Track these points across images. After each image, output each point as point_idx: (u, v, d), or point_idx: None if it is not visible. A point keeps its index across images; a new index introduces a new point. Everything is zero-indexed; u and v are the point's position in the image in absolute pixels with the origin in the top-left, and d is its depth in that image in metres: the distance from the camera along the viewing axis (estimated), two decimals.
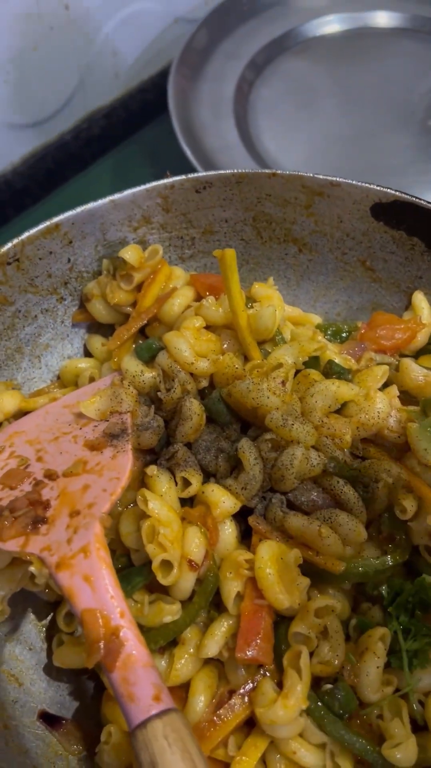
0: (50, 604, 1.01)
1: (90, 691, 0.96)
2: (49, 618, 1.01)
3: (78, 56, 1.72)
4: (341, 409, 0.99)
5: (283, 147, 1.55)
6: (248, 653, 0.83)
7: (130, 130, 1.90)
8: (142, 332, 1.11)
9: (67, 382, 1.10)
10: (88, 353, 1.15)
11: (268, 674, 0.86)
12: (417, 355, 1.11)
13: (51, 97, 1.74)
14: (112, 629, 0.72)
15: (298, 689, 0.82)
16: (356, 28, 1.74)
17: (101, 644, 0.71)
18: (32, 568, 0.80)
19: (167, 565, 0.87)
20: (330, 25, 1.74)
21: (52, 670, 0.96)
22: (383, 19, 1.73)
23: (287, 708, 0.81)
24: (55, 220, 1.05)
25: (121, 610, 0.73)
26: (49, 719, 0.92)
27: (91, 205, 1.07)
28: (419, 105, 1.61)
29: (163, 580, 0.86)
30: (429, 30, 1.71)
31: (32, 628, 0.99)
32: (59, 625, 0.96)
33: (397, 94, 1.63)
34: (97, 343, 1.12)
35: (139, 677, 0.69)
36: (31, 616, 1.00)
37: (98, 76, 1.80)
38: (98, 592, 0.74)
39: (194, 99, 1.61)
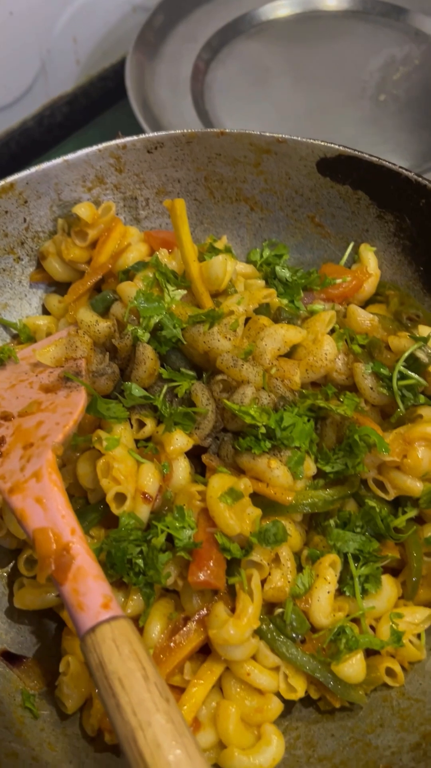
0: (11, 552, 1.02)
1: (51, 631, 0.98)
2: (10, 566, 1.02)
3: (39, 42, 1.76)
4: (291, 353, 1.03)
5: (240, 124, 1.59)
6: (200, 577, 0.85)
7: (91, 116, 1.94)
8: (98, 291, 1.14)
9: (25, 339, 1.13)
10: (46, 313, 1.17)
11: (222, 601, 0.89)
12: (365, 305, 1.14)
13: (13, 83, 1.77)
14: (63, 545, 0.74)
15: (249, 610, 0.84)
16: (308, 11, 1.79)
17: (52, 559, 0.73)
18: None
19: (121, 498, 0.90)
20: (283, 8, 1.79)
21: (13, 613, 0.98)
22: (333, 1, 1.79)
23: (239, 627, 0.83)
24: (9, 179, 1.08)
25: (71, 527, 0.76)
26: (10, 658, 0.93)
27: (44, 165, 1.10)
28: (370, 82, 1.67)
29: (117, 510, 0.88)
30: (378, 12, 1.77)
31: None
32: (20, 570, 0.98)
33: (348, 73, 1.69)
34: (55, 301, 1.15)
35: (89, 588, 0.72)
36: None
37: (59, 62, 1.84)
38: (49, 512, 0.76)
39: (152, 79, 1.65)
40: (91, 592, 0.71)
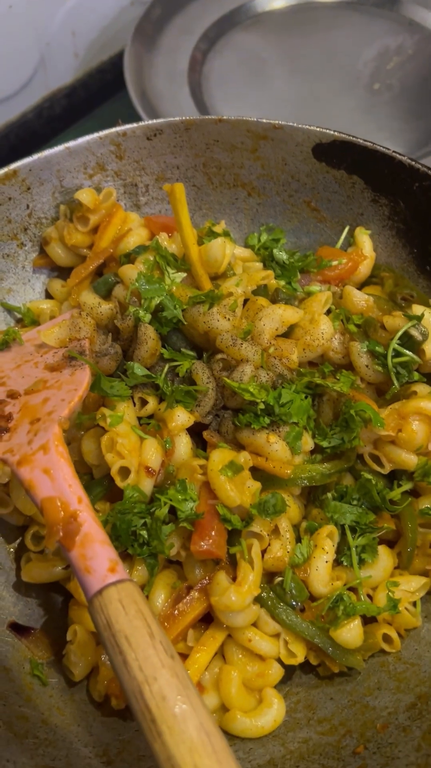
0: (18, 528, 1.05)
1: (57, 604, 1.01)
2: (17, 542, 1.05)
3: (38, 35, 1.78)
4: (288, 333, 1.06)
5: (236, 113, 1.62)
6: (203, 546, 0.88)
7: (90, 108, 1.97)
8: (100, 275, 1.16)
9: (29, 323, 1.15)
10: (49, 297, 1.20)
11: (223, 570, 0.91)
12: (361, 287, 1.17)
13: (12, 76, 1.79)
14: (71, 513, 0.77)
15: (250, 577, 0.87)
16: (303, 2, 1.82)
17: (60, 527, 0.76)
18: None
19: (125, 472, 0.92)
20: (278, 0, 1.82)
21: (21, 587, 1.01)
22: None
23: (240, 594, 0.86)
24: (13, 166, 1.11)
25: (78, 496, 0.78)
26: (18, 629, 0.96)
27: (46, 152, 1.13)
28: (364, 71, 1.69)
29: (121, 483, 0.91)
30: (372, 2, 1.80)
31: (2, 550, 1.04)
32: (27, 545, 1.01)
33: (343, 63, 1.71)
34: (57, 285, 1.17)
35: (95, 552, 0.74)
36: (0, 540, 1.04)
37: (58, 55, 1.87)
38: (57, 481, 0.79)
39: (150, 71, 1.67)
40: (98, 557, 0.74)
